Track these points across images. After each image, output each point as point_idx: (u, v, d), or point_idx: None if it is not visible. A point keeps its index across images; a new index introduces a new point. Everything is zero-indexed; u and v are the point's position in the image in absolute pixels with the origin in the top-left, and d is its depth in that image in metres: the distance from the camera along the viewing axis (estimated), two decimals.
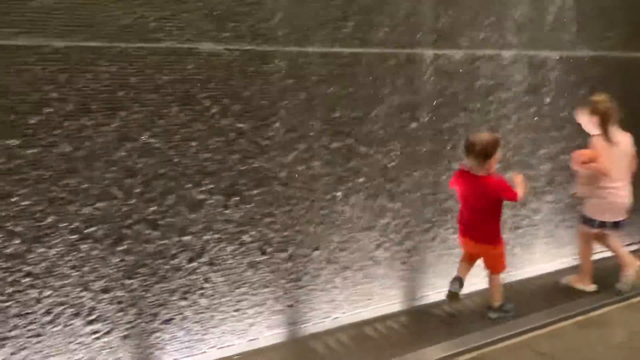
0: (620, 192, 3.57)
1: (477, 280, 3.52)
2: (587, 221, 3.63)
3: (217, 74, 2.68)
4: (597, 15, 4.04)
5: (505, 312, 3.36)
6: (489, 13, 3.52)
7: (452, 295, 3.23)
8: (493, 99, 3.64)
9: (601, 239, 3.74)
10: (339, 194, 3.14)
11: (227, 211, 2.81)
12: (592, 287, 3.68)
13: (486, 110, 3.62)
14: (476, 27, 3.48)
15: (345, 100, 3.08)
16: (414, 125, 3.34)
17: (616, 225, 3.61)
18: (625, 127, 4.32)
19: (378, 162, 3.25)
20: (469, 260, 3.38)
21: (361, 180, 3.21)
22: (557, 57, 3.86)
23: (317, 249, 3.11)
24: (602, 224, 3.59)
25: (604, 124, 3.52)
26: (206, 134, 2.70)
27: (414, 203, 3.43)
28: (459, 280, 3.26)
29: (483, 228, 3.24)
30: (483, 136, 3.15)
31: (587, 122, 3.59)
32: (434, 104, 3.39)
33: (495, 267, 3.35)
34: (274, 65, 2.82)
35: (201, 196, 2.73)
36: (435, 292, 3.60)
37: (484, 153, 3.07)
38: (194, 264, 2.76)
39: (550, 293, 3.66)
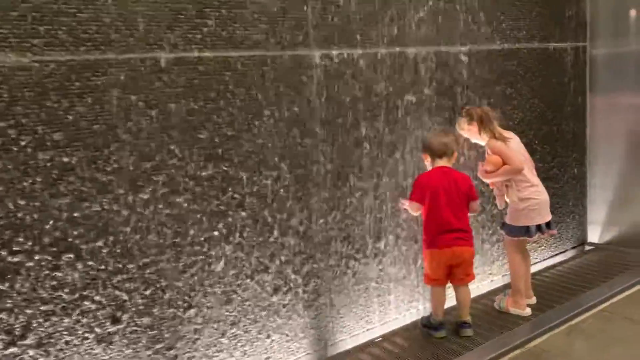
0: (541, 188, 3.18)
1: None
2: (519, 231, 3.17)
3: (24, 93, 2.00)
4: (508, 3, 3.63)
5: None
6: (390, 5, 3.01)
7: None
8: (399, 103, 3.12)
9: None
10: (216, 233, 2.51)
11: (57, 274, 2.12)
12: (527, 312, 3.22)
13: (394, 117, 3.10)
14: (374, 22, 2.95)
15: (215, 116, 2.46)
16: (306, 141, 2.77)
17: (548, 225, 3.19)
18: (545, 121, 3.96)
19: (264, 188, 2.64)
20: (443, 283, 3.00)
21: (244, 213, 2.59)
22: (467, 51, 3.40)
23: (191, 306, 2.46)
24: (538, 229, 3.15)
25: (486, 126, 3.14)
26: (15, 174, 2.00)
27: (317, 235, 2.85)
28: (443, 326, 3.03)
29: (466, 224, 2.98)
30: (447, 134, 3.08)
31: (470, 133, 3.24)
32: (328, 114, 2.83)
33: (470, 273, 3.03)
34: (107, 77, 2.16)
35: (14, 259, 2.03)
36: (351, 336, 3.03)
37: (453, 150, 3.02)
38: (14, 350, 2.04)
39: (481, 321, 3.16)
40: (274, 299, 2.73)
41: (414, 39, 3.13)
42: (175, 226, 2.39)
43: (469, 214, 3.02)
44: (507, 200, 3.16)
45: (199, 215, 2.46)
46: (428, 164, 3.03)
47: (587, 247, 4.42)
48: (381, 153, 3.06)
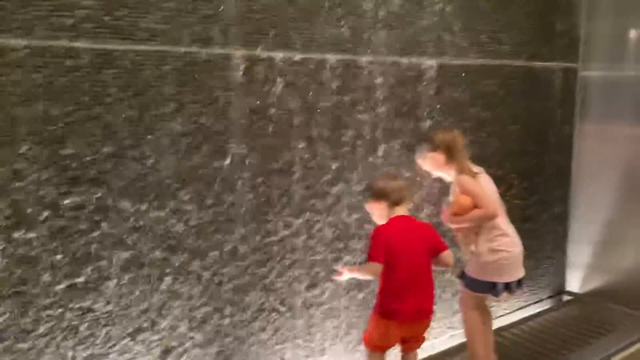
0: (516, 239, 2.61)
1: None
2: (483, 287, 2.60)
3: None
4: (489, 12, 3.07)
5: None
6: (341, 1, 2.43)
7: None
8: (348, 123, 2.54)
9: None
10: (80, 280, 1.91)
11: None
12: None
13: (339, 140, 2.52)
14: (317, 20, 2.38)
15: (88, 128, 1.87)
16: (222, 164, 2.18)
17: (519, 284, 2.62)
18: (525, 151, 3.41)
19: (156, 223, 2.05)
20: (386, 350, 2.39)
21: (125, 254, 1.99)
22: (435, 65, 2.83)
23: None
24: (507, 287, 2.58)
25: (454, 156, 2.57)
26: None
27: (227, 282, 2.26)
28: None
29: (432, 289, 2.36)
30: (396, 178, 2.55)
31: (434, 164, 2.65)
32: (251, 129, 2.24)
33: (424, 338, 2.45)
34: None
35: None
36: None
37: (409, 195, 2.49)
38: None
39: None
40: None
41: (369, 45, 2.55)
42: (20, 272, 1.79)
43: (442, 268, 2.46)
44: (473, 249, 2.59)
45: (59, 257, 1.85)
46: (380, 214, 2.39)
47: (566, 297, 3.87)
48: (319, 182, 2.48)
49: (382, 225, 2.33)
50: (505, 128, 3.25)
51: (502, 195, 3.14)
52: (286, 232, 2.40)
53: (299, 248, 2.45)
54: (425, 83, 2.79)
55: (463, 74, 2.95)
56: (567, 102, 3.62)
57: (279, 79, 2.28)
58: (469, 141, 2.92)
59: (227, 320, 2.28)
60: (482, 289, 2.60)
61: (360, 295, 2.70)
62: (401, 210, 2.34)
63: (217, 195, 2.18)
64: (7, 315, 1.78)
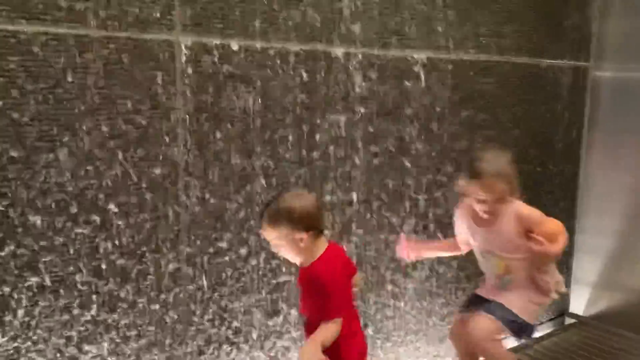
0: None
1: None
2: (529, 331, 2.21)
3: None
4: (490, 2, 2.71)
5: None
6: None
7: None
8: (319, 125, 2.19)
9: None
10: None
11: None
12: None
13: (309, 143, 2.18)
14: (284, 3, 2.02)
15: None
16: (157, 170, 1.84)
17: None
18: (527, 159, 3.04)
19: (76, 241, 1.71)
20: None
21: (35, 279, 1.65)
22: (424, 60, 2.47)
23: None
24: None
25: (515, 187, 2.12)
26: None
27: (169, 310, 1.92)
28: None
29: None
30: (305, 196, 1.76)
31: (494, 196, 2.06)
32: (200, 131, 1.90)
33: None
34: None
35: None
36: None
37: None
38: None
39: None
40: None
41: (345, 34, 2.20)
42: None
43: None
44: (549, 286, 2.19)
45: None
46: (298, 249, 1.67)
47: (568, 320, 3.51)
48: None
49: (325, 264, 1.66)
50: (505, 133, 2.88)
51: None
52: (242, 251, 2.06)
53: (257, 268, 2.11)
54: (412, 79, 2.44)
55: (456, 71, 2.59)
56: (575, 104, 3.25)
57: (237, 72, 1.93)
58: (461, 147, 2.58)
59: (167, 354, 1.95)
60: (528, 332, 2.21)
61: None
62: (324, 239, 1.73)
63: (155, 209, 1.84)
64: None
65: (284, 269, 2.17)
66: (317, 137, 2.19)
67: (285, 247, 1.67)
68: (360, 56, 2.24)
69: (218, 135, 1.93)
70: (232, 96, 1.94)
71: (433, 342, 2.77)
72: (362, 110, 2.30)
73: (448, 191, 2.63)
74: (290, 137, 2.11)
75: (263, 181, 2.07)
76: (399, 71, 2.39)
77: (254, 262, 2.10)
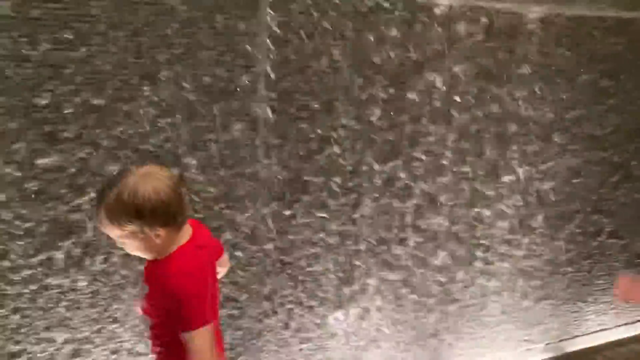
0: None
1: None
2: None
3: None
4: None
5: None
6: None
7: None
8: (412, 85, 2.00)
9: None
10: (59, 255, 1.62)
11: None
12: None
13: (396, 107, 2.00)
14: None
15: (69, 74, 1.52)
16: (248, 133, 1.77)
17: None
18: None
19: None
20: None
21: None
22: (540, 14, 2.16)
23: None
24: None
25: None
26: None
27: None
28: None
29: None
30: (159, 178, 1.26)
31: None
32: (278, 85, 1.79)
33: None
34: None
35: None
36: None
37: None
38: None
39: None
40: None
41: None
42: None
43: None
44: None
45: (29, 225, 1.57)
46: (152, 245, 1.28)
47: None
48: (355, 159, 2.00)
49: (182, 263, 1.30)
50: (631, 102, 2.51)
51: (616, 188, 2.49)
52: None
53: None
54: (523, 36, 2.15)
55: (578, 28, 2.26)
56: None
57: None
58: (577, 116, 2.28)
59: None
60: None
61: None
62: (186, 233, 1.36)
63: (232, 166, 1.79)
64: None
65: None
66: (409, 97, 2.01)
67: (133, 244, 1.28)
68: (461, 9, 2.00)
69: (301, 91, 1.82)
70: (320, 49, 1.81)
71: (524, 326, 2.56)
72: (463, 69, 2.07)
73: (556, 165, 2.36)
74: (381, 96, 1.95)
75: (347, 143, 1.94)
76: (511, 30, 2.11)
77: (333, 226, 2.00)
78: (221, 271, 1.62)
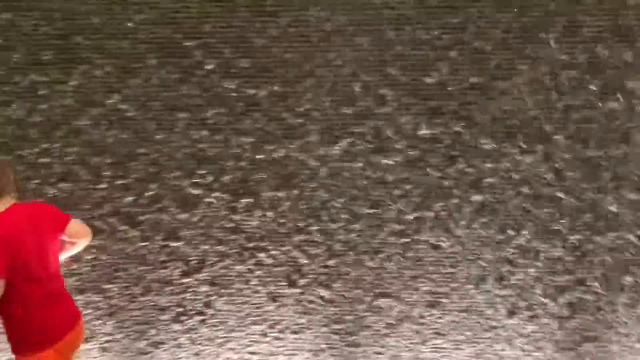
0: None
1: None
2: None
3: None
4: None
5: None
6: None
7: None
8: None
9: None
10: (429, 214, 1.83)
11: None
12: None
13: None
14: None
15: (451, 56, 1.69)
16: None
17: None
18: None
19: (523, 169, 1.77)
20: None
21: (479, 198, 1.80)
22: None
23: None
24: None
25: None
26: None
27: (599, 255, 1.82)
28: None
29: (65, 295, 1.76)
30: None
31: None
32: None
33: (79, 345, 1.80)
34: None
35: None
36: None
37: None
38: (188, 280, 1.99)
39: None
40: None
41: None
42: (375, 194, 1.84)
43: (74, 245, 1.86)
44: None
45: (408, 187, 1.82)
46: None
47: None
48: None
49: None
50: None
51: None
52: None
53: None
54: None
55: None
56: None
57: None
58: None
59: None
60: None
61: None
62: (6, 202, 1.65)
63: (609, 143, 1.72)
64: (361, 232, 1.89)
65: None
66: None
67: None
68: None
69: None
70: None
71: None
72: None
73: None
74: None
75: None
76: None
77: None
78: (75, 242, 1.82)
